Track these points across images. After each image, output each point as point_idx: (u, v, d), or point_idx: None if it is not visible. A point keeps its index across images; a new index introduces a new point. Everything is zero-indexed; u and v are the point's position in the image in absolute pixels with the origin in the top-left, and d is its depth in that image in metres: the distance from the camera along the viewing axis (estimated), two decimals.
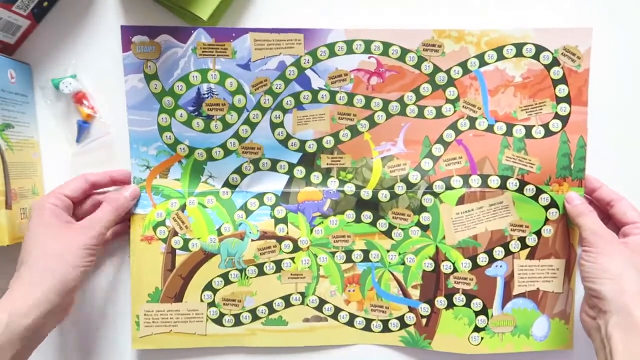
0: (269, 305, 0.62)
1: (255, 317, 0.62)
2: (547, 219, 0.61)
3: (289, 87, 0.60)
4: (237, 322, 0.62)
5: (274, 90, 0.59)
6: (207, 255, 0.61)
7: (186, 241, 0.61)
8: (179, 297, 0.61)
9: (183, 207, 0.61)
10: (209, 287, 0.61)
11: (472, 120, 0.60)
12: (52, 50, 0.60)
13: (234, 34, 0.58)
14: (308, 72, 0.59)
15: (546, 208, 0.60)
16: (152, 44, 0.58)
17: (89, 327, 0.64)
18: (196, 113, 0.60)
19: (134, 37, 0.58)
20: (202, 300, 0.61)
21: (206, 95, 0.59)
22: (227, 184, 0.61)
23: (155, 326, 0.61)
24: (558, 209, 0.60)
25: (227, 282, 0.61)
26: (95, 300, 0.63)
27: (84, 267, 0.52)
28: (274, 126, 0.60)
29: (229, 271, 0.61)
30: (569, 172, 0.60)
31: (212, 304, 0.61)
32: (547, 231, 0.61)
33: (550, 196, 0.60)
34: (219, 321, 0.62)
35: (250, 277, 0.61)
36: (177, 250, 0.61)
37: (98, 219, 0.55)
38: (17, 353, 0.48)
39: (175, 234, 0.61)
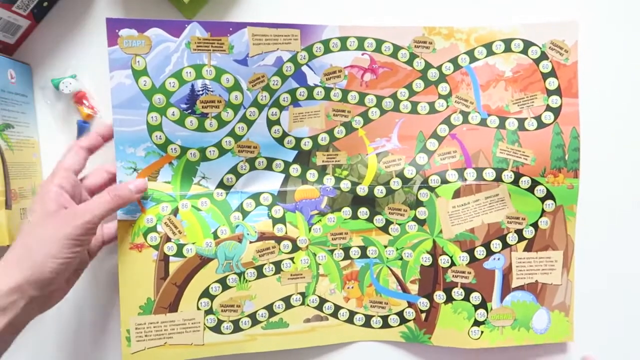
0: (269, 308, 0.60)
1: (255, 322, 0.60)
2: (543, 211, 0.61)
3: (285, 83, 0.59)
4: (237, 328, 0.60)
5: (271, 86, 0.59)
6: (203, 261, 0.59)
7: (180, 247, 0.59)
8: (173, 307, 0.58)
9: (175, 211, 0.59)
10: (206, 293, 0.59)
11: (465, 114, 0.61)
12: (52, 50, 0.60)
13: (230, 29, 0.57)
14: (304, 69, 0.59)
15: (542, 200, 0.61)
16: (141, 38, 0.56)
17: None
18: (189, 111, 0.58)
19: (121, 30, 0.56)
20: (199, 308, 0.59)
21: (201, 92, 0.57)
22: (221, 184, 0.60)
23: (148, 340, 0.58)
24: (554, 200, 0.61)
25: (225, 287, 0.59)
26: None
27: (64, 258, 0.49)
28: (270, 123, 0.60)
29: (226, 276, 0.59)
30: (563, 163, 0.60)
31: (209, 312, 0.59)
32: (544, 223, 0.61)
33: (546, 188, 0.61)
34: (217, 329, 0.59)
35: (250, 281, 0.60)
36: (170, 257, 0.58)
37: (89, 209, 0.51)
38: None
39: (168, 239, 0.58)
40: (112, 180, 0.57)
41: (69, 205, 0.51)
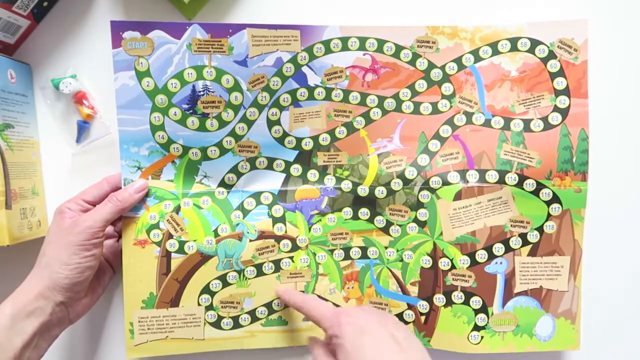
0: (268, 305, 0.61)
1: (254, 319, 0.61)
2: (549, 215, 0.59)
3: (285, 84, 0.59)
4: (236, 324, 0.61)
5: (270, 87, 0.59)
6: (204, 258, 0.60)
7: (182, 244, 0.60)
8: (175, 302, 0.60)
9: (177, 209, 0.60)
10: (206, 290, 0.60)
11: (469, 115, 0.60)
12: (52, 50, 0.61)
13: (230, 30, 0.58)
14: (304, 69, 0.59)
15: (548, 203, 0.59)
16: (144, 40, 0.57)
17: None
18: (191, 111, 0.59)
19: (125, 32, 0.57)
20: (199, 304, 0.60)
21: (202, 93, 0.58)
22: (222, 183, 0.61)
23: (151, 333, 0.59)
24: (561, 204, 0.59)
25: (225, 284, 0.60)
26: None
27: (75, 264, 0.52)
28: (270, 124, 0.60)
29: (226, 273, 0.60)
30: (570, 166, 0.59)
31: (209, 308, 0.60)
32: (550, 227, 0.60)
33: (552, 191, 0.59)
34: (217, 324, 0.60)
35: (249, 278, 0.61)
36: (172, 254, 0.60)
37: (90, 214, 0.54)
38: (27, 344, 0.50)
39: (170, 236, 0.59)
40: (112, 191, 0.58)
41: (76, 217, 0.55)
